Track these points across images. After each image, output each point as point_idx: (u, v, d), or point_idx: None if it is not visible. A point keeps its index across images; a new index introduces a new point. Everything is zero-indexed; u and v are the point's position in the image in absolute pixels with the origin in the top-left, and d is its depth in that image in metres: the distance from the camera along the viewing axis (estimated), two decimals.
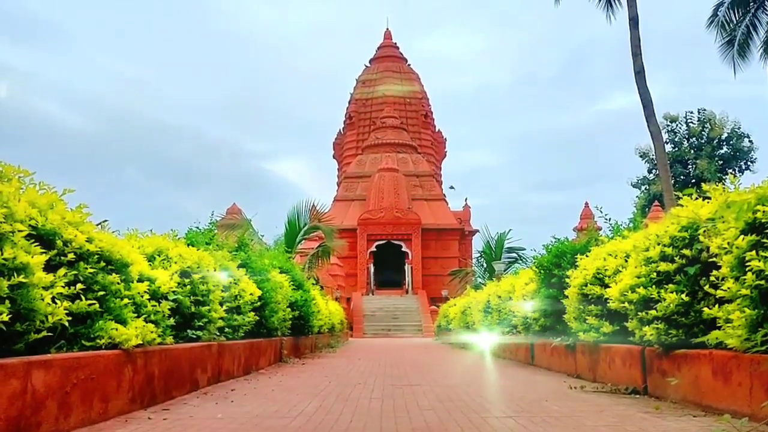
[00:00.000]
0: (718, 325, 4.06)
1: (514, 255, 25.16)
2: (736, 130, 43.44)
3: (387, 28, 67.74)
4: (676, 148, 43.86)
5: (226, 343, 7.01)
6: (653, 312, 4.94)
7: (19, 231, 3.44)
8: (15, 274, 3.28)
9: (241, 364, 7.67)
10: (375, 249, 49.57)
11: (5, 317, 3.14)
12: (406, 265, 49.59)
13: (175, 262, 6.16)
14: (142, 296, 4.88)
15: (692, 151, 43.63)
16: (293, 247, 21.18)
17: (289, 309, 11.40)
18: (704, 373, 4.26)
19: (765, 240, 3.64)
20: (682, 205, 4.99)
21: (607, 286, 6.37)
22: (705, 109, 44.34)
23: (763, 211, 3.66)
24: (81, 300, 3.91)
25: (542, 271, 9.18)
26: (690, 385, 4.48)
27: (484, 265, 26.35)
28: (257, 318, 8.72)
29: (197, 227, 9.95)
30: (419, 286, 48.29)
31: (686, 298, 4.68)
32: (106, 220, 5.58)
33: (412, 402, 5.05)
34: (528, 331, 10.04)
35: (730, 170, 41.88)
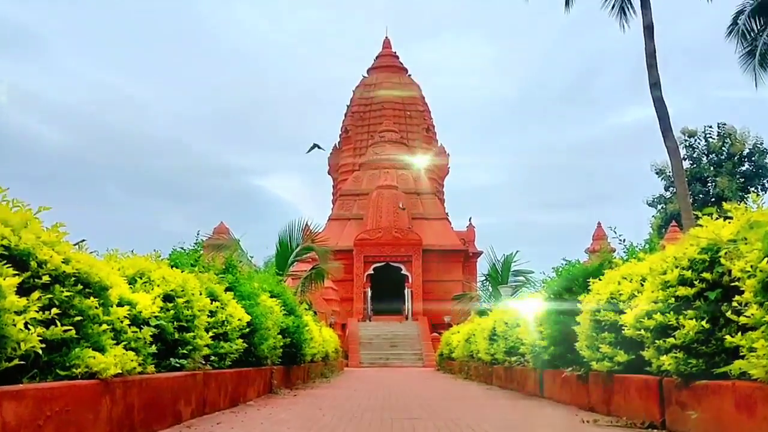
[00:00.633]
0: (742, 354, 4.04)
1: (521, 278, 25.18)
2: (759, 145, 43.57)
3: (386, 37, 67.99)
4: (695, 165, 43.99)
5: (212, 372, 6.97)
6: (671, 340, 4.92)
7: None
8: None
9: (227, 395, 7.62)
10: (372, 271, 49.49)
11: None
12: (406, 289, 49.48)
13: (158, 285, 6.14)
14: (121, 322, 4.85)
15: (712, 168, 43.75)
16: (285, 269, 21.14)
17: (279, 336, 11.35)
18: (727, 405, 4.24)
19: None
20: (701, 226, 4.99)
21: (621, 311, 6.35)
22: (725, 124, 44.53)
23: None
24: (56, 326, 3.89)
25: (552, 296, 9.16)
26: (711, 419, 4.45)
27: (490, 289, 26.33)
28: (245, 345, 8.67)
29: (182, 248, 9.92)
30: (420, 312, 48.14)
31: (707, 325, 4.66)
32: (84, 240, 5.58)
33: None
34: (536, 360, 10.00)
35: (753, 188, 41.95)
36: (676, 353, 4.87)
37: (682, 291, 4.93)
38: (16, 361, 3.50)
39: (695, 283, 4.88)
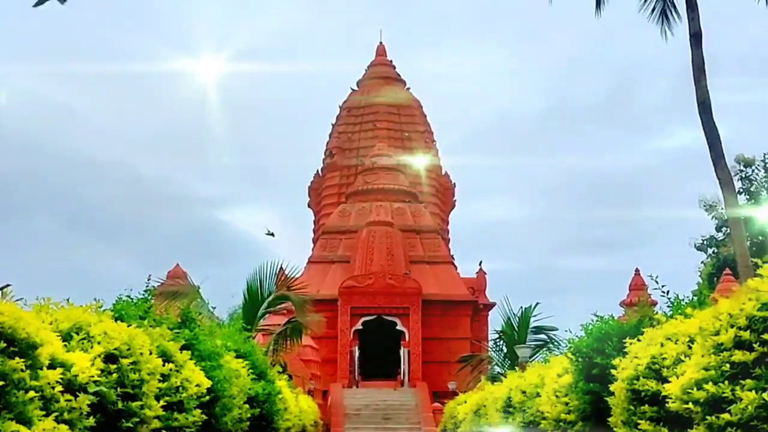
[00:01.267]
0: None
1: (542, 337, 25.14)
2: None
3: (380, 43, 68.56)
4: (752, 200, 44.26)
5: None
6: (726, 416, 4.91)
7: None
8: None
9: None
10: (361, 326, 49.27)
11: None
12: (402, 348, 49.24)
13: (99, 343, 6.11)
14: (53, 387, 4.81)
15: None
16: (254, 323, 21.05)
17: (247, 405, 11.28)
18: None
19: None
20: (761, 276, 5.01)
21: (665, 380, 6.34)
22: None
23: None
24: None
25: (580, 359, 9.15)
26: None
27: (504, 349, 26.26)
28: (205, 417, 8.60)
29: (128, 296, 9.92)
30: (418, 377, 47.87)
31: None
32: (7, 285, 5.55)
33: None
34: None
35: None
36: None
37: (739, 356, 4.93)
38: None
39: (755, 346, 4.88)
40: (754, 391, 4.72)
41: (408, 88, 65.86)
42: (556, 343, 23.00)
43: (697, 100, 22.08)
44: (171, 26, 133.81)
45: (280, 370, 18.65)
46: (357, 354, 49.10)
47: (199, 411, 8.26)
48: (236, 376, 10.49)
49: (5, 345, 4.28)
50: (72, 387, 5.27)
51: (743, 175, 44.79)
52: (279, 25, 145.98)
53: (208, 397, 8.75)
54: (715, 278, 37.81)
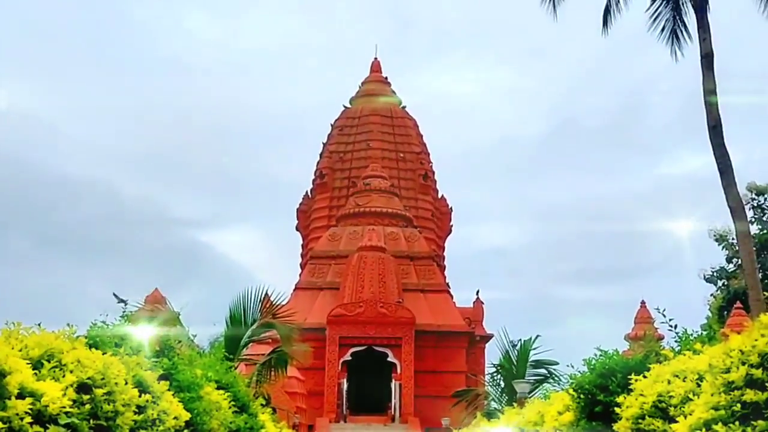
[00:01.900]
0: None
1: (542, 371, 25.11)
2: None
3: (375, 58, 68.90)
4: (766, 231, 44.39)
5: None
6: None
7: None
8: None
9: None
10: (350, 358, 49.15)
11: None
12: (393, 381, 49.08)
13: (71, 371, 6.07)
14: (21, 419, 4.79)
15: None
16: (237, 352, 20.96)
17: None
18: None
19: None
20: None
21: (672, 419, 6.33)
22: None
23: None
24: None
25: (582, 396, 9.14)
26: None
27: (502, 384, 26.21)
28: None
29: (104, 321, 9.89)
30: (410, 412, 47.73)
31: None
32: None
33: None
34: None
35: None
36: None
37: (751, 395, 4.93)
38: None
39: (767, 385, 4.88)
40: None
41: (404, 107, 66.15)
42: (556, 378, 22.94)
43: (708, 125, 22.17)
44: (155, 42, 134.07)
45: (264, 402, 18.54)
46: (345, 387, 48.94)
47: None
48: (217, 408, 10.45)
49: None
50: (42, 418, 5.24)
51: (755, 204, 44.90)
52: (266, 43, 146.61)
53: (186, 431, 8.70)
54: (725, 312, 37.81)
